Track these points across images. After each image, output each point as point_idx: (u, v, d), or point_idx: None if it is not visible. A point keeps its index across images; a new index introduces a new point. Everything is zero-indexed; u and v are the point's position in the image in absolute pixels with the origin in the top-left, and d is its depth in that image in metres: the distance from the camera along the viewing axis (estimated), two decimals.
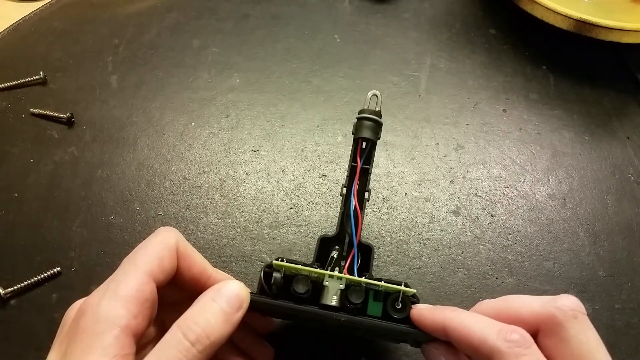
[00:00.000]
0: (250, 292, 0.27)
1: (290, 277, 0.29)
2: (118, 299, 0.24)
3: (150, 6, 0.56)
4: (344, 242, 0.31)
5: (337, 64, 0.51)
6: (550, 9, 0.50)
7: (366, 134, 0.32)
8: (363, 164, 0.32)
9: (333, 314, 0.28)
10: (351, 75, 0.50)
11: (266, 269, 0.29)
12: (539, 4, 0.50)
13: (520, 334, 0.24)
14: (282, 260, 0.29)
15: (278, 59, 0.51)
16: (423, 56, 0.53)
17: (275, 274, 0.28)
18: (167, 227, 0.28)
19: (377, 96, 0.33)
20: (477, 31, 0.55)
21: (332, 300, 0.28)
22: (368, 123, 0.32)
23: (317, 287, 0.29)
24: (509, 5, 0.54)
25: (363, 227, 0.31)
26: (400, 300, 0.28)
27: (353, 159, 0.32)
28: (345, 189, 0.32)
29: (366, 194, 0.32)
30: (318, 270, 0.29)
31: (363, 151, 0.32)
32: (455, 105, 0.49)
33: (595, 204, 0.43)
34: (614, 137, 0.47)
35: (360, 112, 0.32)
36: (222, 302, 0.25)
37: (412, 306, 0.28)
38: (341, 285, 0.29)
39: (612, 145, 0.47)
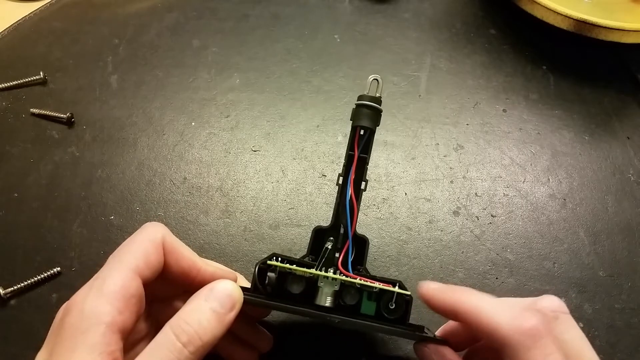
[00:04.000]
0: (244, 291, 0.27)
1: (285, 274, 0.29)
2: (103, 295, 0.23)
3: (150, 6, 0.56)
4: (338, 233, 0.31)
5: (337, 64, 0.51)
6: (550, 9, 0.50)
7: (365, 122, 0.30)
8: (361, 153, 0.31)
9: (327, 315, 0.28)
10: (351, 75, 0.50)
11: (261, 265, 0.28)
12: (539, 4, 0.50)
13: (535, 323, 0.24)
14: (277, 259, 0.28)
15: (278, 59, 0.51)
16: (423, 56, 0.53)
17: (270, 274, 0.28)
18: (152, 222, 0.28)
19: (377, 81, 0.31)
20: (477, 31, 0.55)
21: (326, 301, 0.29)
22: (367, 111, 0.30)
23: (312, 284, 0.29)
24: (509, 5, 0.54)
25: (362, 223, 0.31)
26: (394, 300, 0.28)
27: (350, 147, 0.31)
28: (341, 179, 0.31)
29: (363, 184, 0.31)
30: (313, 271, 0.29)
31: (361, 139, 0.31)
32: (455, 105, 0.49)
33: (595, 204, 0.43)
34: (614, 137, 0.47)
35: (360, 98, 0.31)
36: (215, 303, 0.25)
37: (421, 283, 0.28)
38: (335, 287, 0.29)
39: (612, 145, 0.47)
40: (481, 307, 0.25)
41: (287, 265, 0.28)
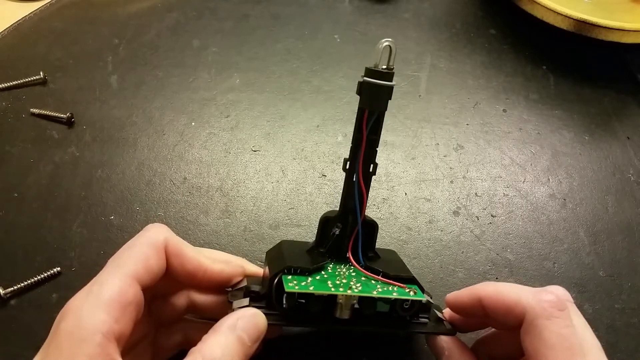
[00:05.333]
0: (258, 302, 0.27)
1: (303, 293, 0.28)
2: (100, 303, 0.23)
3: (150, 6, 0.56)
4: (347, 221, 0.30)
5: (337, 64, 0.51)
6: (550, 9, 0.50)
7: (374, 105, 0.27)
8: (370, 134, 0.27)
9: (347, 328, 0.28)
10: (351, 75, 0.50)
11: (277, 281, 0.27)
12: (539, 4, 0.50)
13: (556, 295, 0.25)
14: (291, 271, 0.27)
15: (278, 59, 0.51)
16: (423, 56, 0.53)
17: (289, 301, 0.27)
18: (155, 224, 0.27)
19: (391, 47, 0.26)
20: (477, 31, 0.55)
21: (345, 314, 0.28)
22: (376, 90, 0.26)
23: (330, 300, 0.28)
24: (509, 5, 0.54)
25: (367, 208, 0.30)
26: (409, 301, 0.28)
27: (358, 129, 0.27)
28: (348, 163, 0.29)
29: (371, 167, 0.29)
30: (332, 291, 0.27)
31: (369, 120, 0.27)
32: (455, 105, 0.49)
33: (595, 204, 0.43)
34: (614, 137, 0.47)
35: (368, 73, 0.26)
36: (244, 334, 0.25)
37: (448, 295, 0.29)
38: (354, 301, 0.28)
39: (612, 145, 0.47)
40: (502, 287, 0.27)
41: (306, 290, 0.27)
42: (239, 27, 0.54)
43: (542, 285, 0.38)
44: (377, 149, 0.28)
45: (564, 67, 0.52)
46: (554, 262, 0.39)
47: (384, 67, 0.27)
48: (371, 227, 0.31)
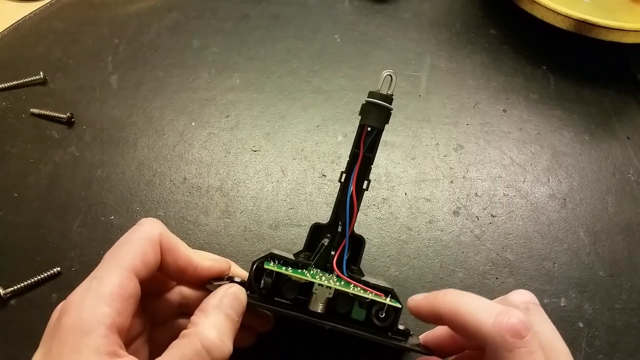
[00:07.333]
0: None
1: (280, 275, 0.28)
2: (102, 297, 0.23)
3: (150, 6, 0.56)
4: (336, 231, 0.31)
5: (337, 64, 0.51)
6: (550, 9, 0.50)
7: (372, 121, 0.29)
8: (366, 152, 0.30)
9: (319, 321, 0.28)
10: (351, 75, 0.50)
11: (258, 264, 0.28)
12: (539, 4, 0.50)
13: (519, 319, 0.23)
14: (274, 260, 0.28)
15: (278, 59, 0.51)
16: (423, 56, 0.53)
17: (266, 279, 0.28)
18: (149, 218, 0.28)
19: (391, 77, 0.29)
20: (477, 31, 0.55)
21: (319, 307, 0.28)
22: (376, 109, 0.29)
23: (306, 288, 0.29)
24: (509, 5, 0.54)
25: (362, 223, 0.31)
26: (384, 310, 0.28)
27: (356, 145, 0.30)
28: (344, 176, 0.31)
29: (365, 183, 0.30)
30: (308, 277, 0.28)
31: (367, 138, 0.30)
32: (455, 105, 0.49)
33: (595, 204, 0.43)
34: (614, 137, 0.47)
35: (370, 94, 0.30)
36: (231, 311, 0.26)
37: (409, 299, 0.29)
38: (329, 295, 0.28)
39: (612, 145, 0.47)
40: (462, 308, 0.25)
41: (284, 271, 0.28)
42: (239, 27, 0.54)
43: (541, 285, 0.38)
44: (371, 166, 0.30)
45: (564, 67, 0.52)
46: (554, 262, 0.39)
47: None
48: (358, 242, 0.31)
